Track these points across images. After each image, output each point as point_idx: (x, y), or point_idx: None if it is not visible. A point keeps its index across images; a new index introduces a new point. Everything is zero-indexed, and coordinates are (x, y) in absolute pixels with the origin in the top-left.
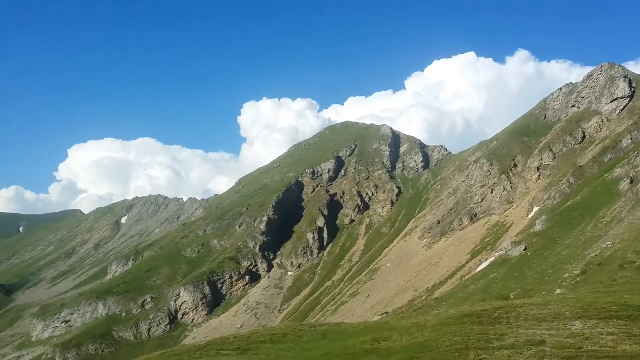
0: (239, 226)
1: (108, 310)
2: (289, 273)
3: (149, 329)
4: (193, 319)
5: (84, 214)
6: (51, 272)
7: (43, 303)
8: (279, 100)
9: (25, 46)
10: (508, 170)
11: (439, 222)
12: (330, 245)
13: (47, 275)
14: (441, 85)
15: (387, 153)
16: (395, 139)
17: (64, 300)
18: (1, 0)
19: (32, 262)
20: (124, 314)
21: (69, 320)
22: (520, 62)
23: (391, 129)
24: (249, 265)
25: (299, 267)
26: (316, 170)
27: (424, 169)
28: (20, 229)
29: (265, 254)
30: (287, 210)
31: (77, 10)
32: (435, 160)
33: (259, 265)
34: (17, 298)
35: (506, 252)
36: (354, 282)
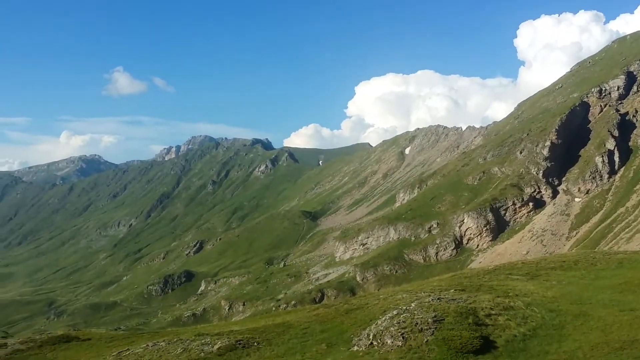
0: (520, 152)
1: (399, 235)
2: (577, 199)
3: (437, 252)
4: (478, 245)
5: (372, 146)
6: (347, 200)
7: (343, 228)
8: (558, 16)
9: None
10: None
11: None
12: (622, 169)
13: (344, 203)
14: None
15: None
16: None
17: (360, 226)
18: None
19: (331, 192)
20: (413, 238)
21: (366, 244)
22: None
23: None
24: (532, 192)
25: (587, 193)
26: (604, 88)
27: None
28: (320, 162)
29: (549, 180)
30: (572, 133)
31: None
32: None
33: (543, 191)
34: (321, 223)
35: None
36: None
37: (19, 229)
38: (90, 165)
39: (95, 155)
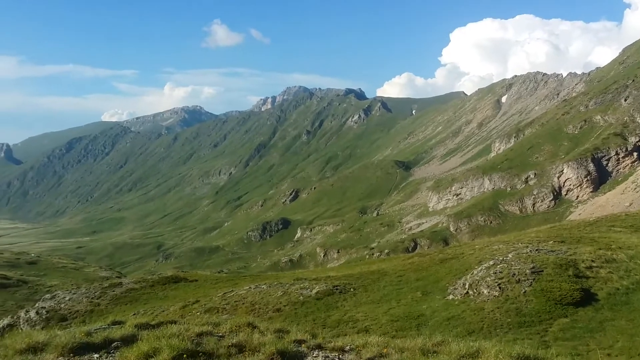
0: (625, 100)
1: (493, 185)
2: None
3: (534, 204)
4: (577, 196)
5: (466, 95)
6: (441, 150)
7: (436, 178)
8: None
9: None
10: None
11: None
12: None
13: (437, 152)
14: None
15: None
16: None
17: (453, 176)
18: None
19: (424, 141)
20: (508, 189)
21: (459, 194)
22: None
23: None
24: (637, 142)
25: None
26: None
27: None
28: (413, 111)
29: None
30: None
31: None
32: None
33: None
34: (414, 173)
35: None
36: None
37: (129, 176)
38: (192, 116)
39: (197, 106)
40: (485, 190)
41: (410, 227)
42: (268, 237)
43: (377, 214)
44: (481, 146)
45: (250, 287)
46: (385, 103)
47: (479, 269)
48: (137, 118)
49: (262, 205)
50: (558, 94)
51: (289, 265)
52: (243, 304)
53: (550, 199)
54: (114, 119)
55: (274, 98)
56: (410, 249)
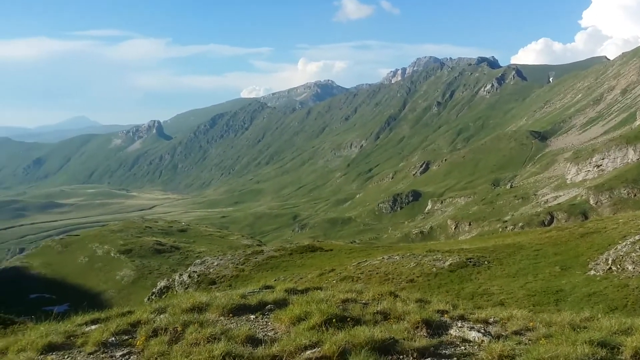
0: None
1: (639, 156)
2: None
3: None
4: None
5: (609, 60)
6: (580, 119)
7: (575, 148)
8: None
9: None
10: None
11: None
12: None
13: (576, 122)
14: None
15: None
16: None
17: (594, 146)
18: None
19: (562, 110)
20: None
21: (600, 165)
22: None
23: None
24: None
25: None
26: None
27: None
28: (550, 79)
29: None
30: None
31: None
32: None
33: None
34: (551, 144)
35: None
36: None
37: (266, 150)
38: (325, 90)
39: (329, 80)
40: (630, 161)
41: (547, 199)
42: (399, 208)
43: (511, 186)
44: (625, 114)
45: (383, 258)
46: (519, 71)
47: (624, 244)
48: (273, 94)
49: (392, 178)
50: None
51: (419, 237)
52: (377, 273)
53: None
54: (252, 95)
55: (403, 70)
56: (546, 223)
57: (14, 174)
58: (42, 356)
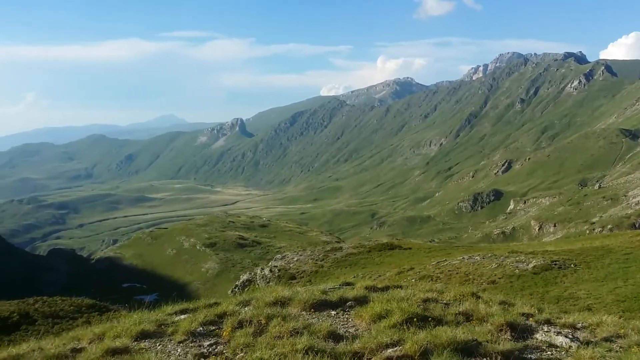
0: None
1: None
2: None
3: None
4: None
5: None
6: None
7: None
8: None
9: None
10: None
11: None
12: None
13: None
14: None
15: None
16: None
17: None
18: None
19: None
20: None
21: None
22: None
23: None
24: None
25: None
26: None
27: None
28: None
29: None
30: None
31: None
32: None
33: None
34: None
35: None
36: None
37: (345, 147)
38: (404, 88)
39: (408, 77)
40: None
41: (638, 201)
42: (479, 208)
43: (599, 187)
44: None
45: (463, 258)
46: (609, 66)
47: None
48: (352, 92)
49: (472, 176)
50: None
51: (501, 238)
52: (457, 273)
53: None
54: (331, 93)
55: (485, 66)
56: (637, 226)
57: (108, 169)
58: (135, 342)
